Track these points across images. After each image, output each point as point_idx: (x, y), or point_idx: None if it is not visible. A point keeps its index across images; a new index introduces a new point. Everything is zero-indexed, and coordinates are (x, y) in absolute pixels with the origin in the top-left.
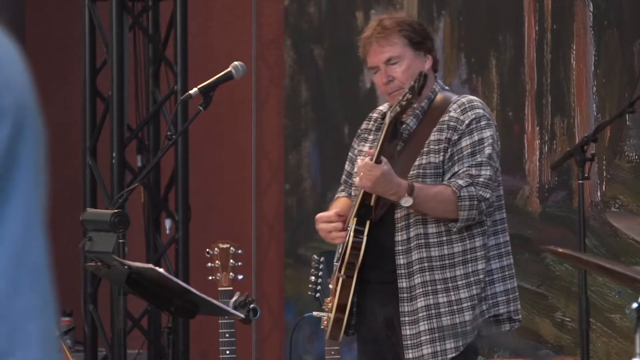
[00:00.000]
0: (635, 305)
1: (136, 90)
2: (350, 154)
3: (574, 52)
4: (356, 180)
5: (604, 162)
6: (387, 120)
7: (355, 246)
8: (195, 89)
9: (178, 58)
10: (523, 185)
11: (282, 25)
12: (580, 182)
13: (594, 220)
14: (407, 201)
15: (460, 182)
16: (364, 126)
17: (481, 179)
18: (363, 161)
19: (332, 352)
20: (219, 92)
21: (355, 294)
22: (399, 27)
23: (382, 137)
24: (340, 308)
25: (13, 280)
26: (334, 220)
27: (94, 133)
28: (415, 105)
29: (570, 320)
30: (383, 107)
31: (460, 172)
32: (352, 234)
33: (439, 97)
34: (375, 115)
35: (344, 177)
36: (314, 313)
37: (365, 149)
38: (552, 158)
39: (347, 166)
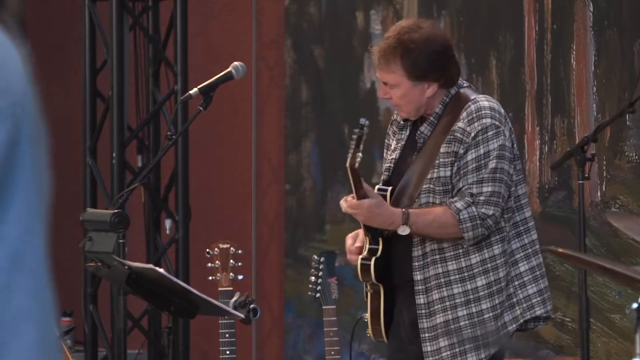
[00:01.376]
0: (635, 305)
1: (136, 90)
2: (385, 145)
3: (574, 52)
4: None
5: (604, 162)
6: (347, 165)
7: (364, 268)
8: (195, 89)
9: (178, 58)
10: None
11: (283, 25)
12: (580, 182)
13: (594, 220)
14: (404, 230)
15: (459, 204)
16: (393, 117)
17: (482, 197)
18: (347, 201)
19: (332, 352)
20: (219, 92)
21: (394, 298)
22: (401, 56)
23: (352, 184)
24: (375, 315)
25: (9, 283)
26: (353, 252)
27: (94, 133)
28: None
29: (570, 320)
30: None
31: (463, 188)
32: (363, 255)
33: (455, 98)
34: (398, 119)
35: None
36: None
37: (387, 156)
38: (552, 158)
39: (385, 154)
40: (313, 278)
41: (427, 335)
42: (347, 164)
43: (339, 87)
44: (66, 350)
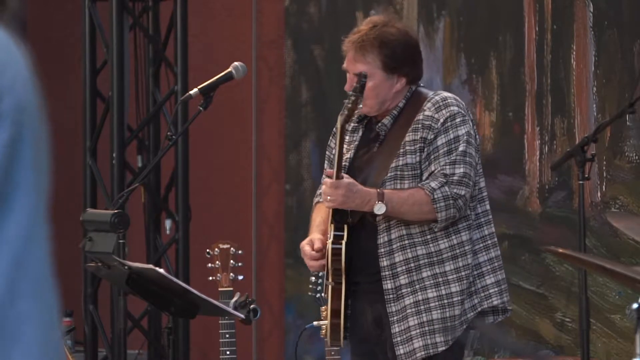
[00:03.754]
0: (635, 305)
1: (136, 90)
2: (327, 153)
3: (574, 52)
4: (324, 202)
5: (604, 162)
6: (338, 125)
7: (335, 252)
8: (195, 90)
9: (178, 58)
10: (523, 186)
11: (283, 25)
12: (581, 182)
13: (594, 220)
14: (380, 208)
15: (433, 184)
16: (330, 142)
17: (455, 177)
18: (325, 182)
19: (332, 353)
20: (219, 92)
21: (348, 297)
22: (380, 46)
23: (337, 148)
24: (335, 314)
25: (11, 285)
26: (316, 257)
27: (94, 133)
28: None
29: (570, 320)
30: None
31: (435, 171)
32: (331, 240)
33: (415, 94)
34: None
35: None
36: (315, 323)
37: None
38: (552, 158)
39: (326, 165)
40: (313, 278)
41: (395, 318)
42: (339, 124)
43: (339, 87)
44: (66, 350)
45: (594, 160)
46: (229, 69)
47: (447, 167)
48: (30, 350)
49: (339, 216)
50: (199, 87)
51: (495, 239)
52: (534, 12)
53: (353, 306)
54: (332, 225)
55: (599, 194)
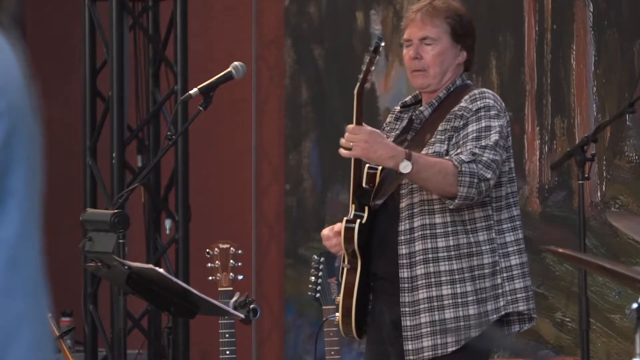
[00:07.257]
0: (635, 305)
1: (136, 90)
2: None
3: (574, 52)
4: (343, 152)
5: (604, 162)
6: (355, 91)
7: (348, 231)
8: (195, 89)
9: (178, 58)
10: (523, 185)
11: (283, 25)
12: (580, 182)
13: (594, 220)
14: (406, 166)
15: (463, 157)
16: (387, 119)
17: (484, 158)
18: (347, 128)
19: (332, 352)
20: (219, 92)
21: (368, 292)
22: (448, 13)
23: (355, 102)
24: (347, 303)
25: (6, 286)
26: (330, 235)
27: (94, 133)
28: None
29: (570, 320)
30: (408, 99)
31: (464, 150)
32: (347, 218)
33: (459, 88)
34: (397, 107)
35: None
36: (337, 314)
37: None
38: (552, 158)
39: None
40: (313, 278)
41: (407, 309)
42: (355, 90)
43: (339, 87)
44: (66, 350)
45: (594, 160)
46: (229, 69)
47: (477, 149)
48: (25, 349)
49: (359, 193)
50: (198, 87)
51: (525, 245)
52: (534, 12)
53: (373, 305)
54: (354, 206)
55: (599, 194)
